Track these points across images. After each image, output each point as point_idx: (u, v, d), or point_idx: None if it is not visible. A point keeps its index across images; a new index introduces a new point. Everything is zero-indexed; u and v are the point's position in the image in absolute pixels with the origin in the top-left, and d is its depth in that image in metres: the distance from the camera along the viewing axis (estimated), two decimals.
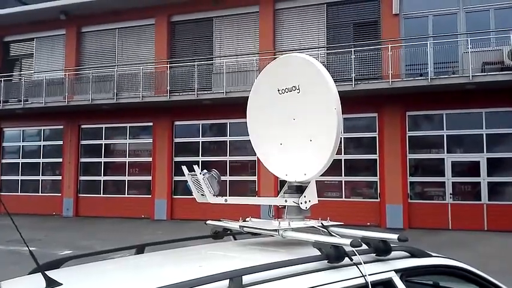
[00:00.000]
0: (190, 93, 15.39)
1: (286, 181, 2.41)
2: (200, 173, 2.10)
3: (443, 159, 13.82)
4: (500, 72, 12.25)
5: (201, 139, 16.82)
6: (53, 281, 1.52)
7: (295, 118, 2.37)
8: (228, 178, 15.40)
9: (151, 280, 1.66)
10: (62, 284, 1.53)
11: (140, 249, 2.22)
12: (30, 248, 1.64)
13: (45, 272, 1.56)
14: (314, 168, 2.24)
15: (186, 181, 2.24)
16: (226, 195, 2.23)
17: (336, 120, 2.13)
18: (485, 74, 12.40)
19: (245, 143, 15.75)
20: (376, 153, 14.47)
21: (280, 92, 2.42)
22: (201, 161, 16.19)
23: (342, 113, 2.19)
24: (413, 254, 1.97)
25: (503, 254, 9.90)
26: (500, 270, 7.15)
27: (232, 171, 15.86)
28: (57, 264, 1.91)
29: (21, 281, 1.79)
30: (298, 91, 2.33)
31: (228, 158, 16.08)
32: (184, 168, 2.23)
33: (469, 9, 14.04)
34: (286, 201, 2.26)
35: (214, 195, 2.12)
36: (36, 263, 1.61)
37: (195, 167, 2.13)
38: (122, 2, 16.95)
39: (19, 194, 19.09)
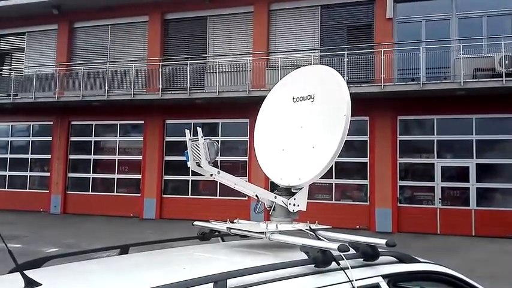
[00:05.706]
0: (182, 91, 15.30)
1: (279, 185, 2.39)
2: (201, 137, 2.09)
3: (433, 164, 13.89)
4: (491, 79, 12.36)
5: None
6: (32, 281, 1.47)
7: (303, 126, 2.39)
8: None
9: (132, 282, 1.62)
10: (41, 284, 1.48)
11: (124, 250, 2.17)
12: (9, 246, 1.59)
13: (26, 271, 1.51)
14: (309, 174, 2.24)
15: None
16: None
17: (343, 129, 2.15)
18: (477, 80, 12.50)
19: (236, 143, 15.73)
20: (366, 157, 14.50)
21: (295, 100, 2.47)
22: None
23: None
24: (401, 260, 1.96)
25: (491, 260, 9.98)
26: (488, 276, 7.20)
27: (223, 171, 15.75)
28: (38, 263, 1.86)
29: None
30: (312, 100, 2.37)
31: (218, 158, 15.95)
32: (186, 131, 2.28)
33: (462, 16, 14.13)
34: (275, 197, 2.25)
35: (209, 163, 2.11)
36: (15, 262, 1.56)
37: (199, 129, 2.14)
38: None
39: (6, 189, 18.84)
